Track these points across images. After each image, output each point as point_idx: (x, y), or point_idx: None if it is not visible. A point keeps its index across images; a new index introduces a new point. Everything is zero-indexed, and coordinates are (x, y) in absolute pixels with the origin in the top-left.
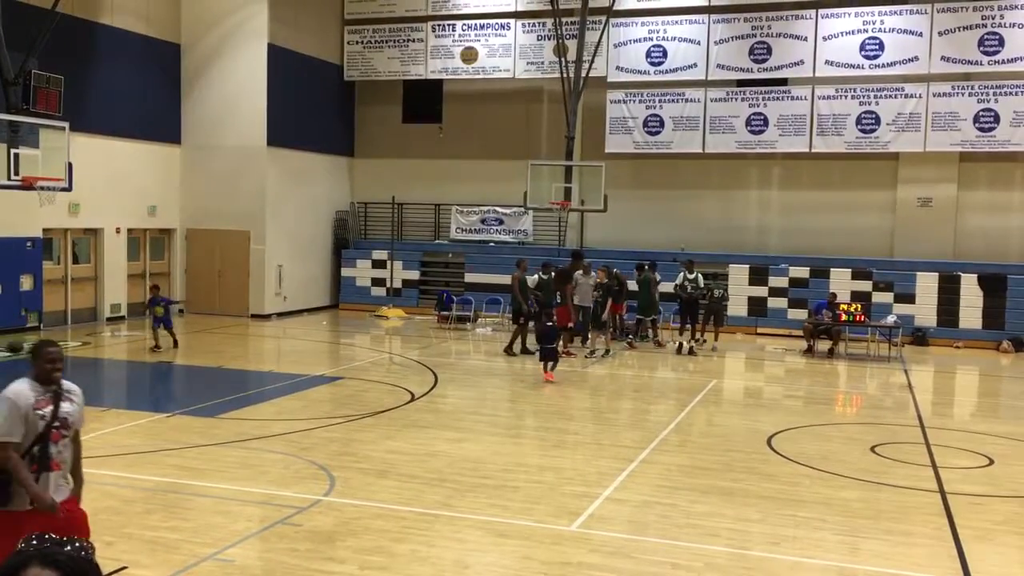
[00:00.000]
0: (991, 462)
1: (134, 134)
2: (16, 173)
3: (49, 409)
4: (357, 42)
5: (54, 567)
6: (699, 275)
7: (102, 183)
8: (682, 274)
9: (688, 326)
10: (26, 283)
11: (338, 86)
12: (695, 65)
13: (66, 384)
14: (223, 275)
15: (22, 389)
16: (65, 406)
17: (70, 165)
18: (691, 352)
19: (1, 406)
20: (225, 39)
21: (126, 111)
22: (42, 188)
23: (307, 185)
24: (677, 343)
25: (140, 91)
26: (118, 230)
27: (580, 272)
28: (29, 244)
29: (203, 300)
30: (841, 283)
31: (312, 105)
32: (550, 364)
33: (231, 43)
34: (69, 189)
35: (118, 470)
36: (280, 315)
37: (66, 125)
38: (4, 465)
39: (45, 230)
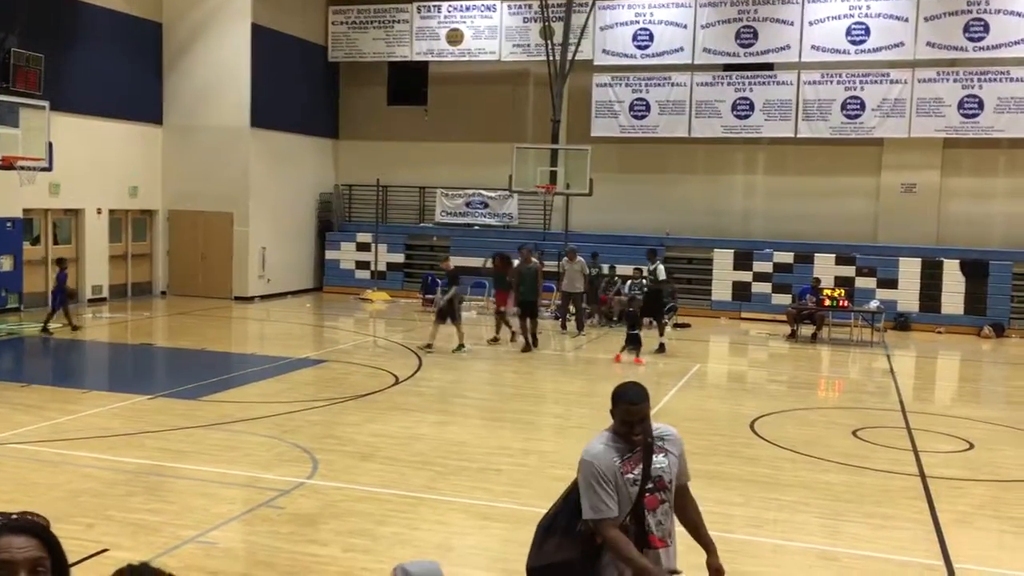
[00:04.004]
0: (971, 446)
1: (115, 114)
2: None
3: (638, 470)
4: (342, 23)
5: (28, 534)
6: (660, 266)
7: (83, 163)
8: (574, 266)
9: (660, 323)
10: (6, 264)
11: (322, 67)
12: (681, 49)
13: (659, 429)
14: (206, 257)
15: (600, 450)
16: (659, 460)
17: (50, 145)
18: (661, 349)
19: (583, 476)
20: (208, 18)
21: (107, 91)
22: (22, 168)
23: (291, 167)
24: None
25: (121, 70)
26: (99, 211)
27: (566, 259)
28: (9, 225)
29: (186, 282)
30: (825, 268)
31: (296, 86)
32: (629, 348)
33: (214, 22)
34: (49, 169)
35: (99, 452)
36: (263, 298)
37: (46, 104)
38: (610, 545)
39: (25, 210)
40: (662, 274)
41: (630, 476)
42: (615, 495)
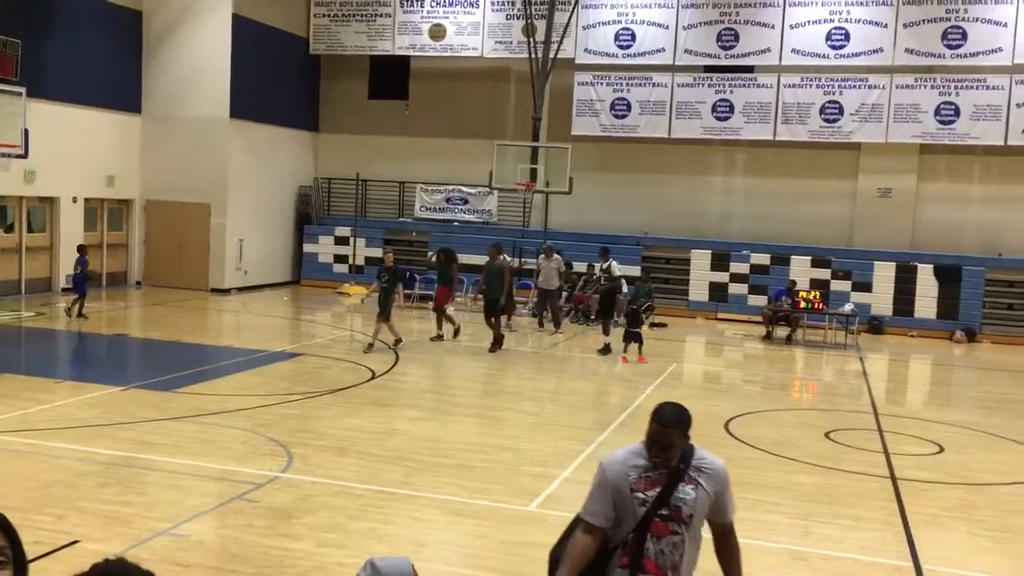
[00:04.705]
0: (941, 449)
1: (93, 102)
2: None
3: (654, 492)
4: (324, 15)
5: None
6: (613, 263)
7: (59, 151)
8: (551, 263)
9: (605, 321)
10: None
11: (303, 60)
12: (663, 50)
13: (703, 459)
14: (183, 248)
15: (618, 459)
16: (685, 490)
17: (26, 131)
18: (605, 350)
19: (594, 477)
20: (188, 8)
21: (85, 78)
22: None
23: (270, 159)
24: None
25: (100, 58)
26: (75, 199)
27: (543, 256)
28: None
29: (162, 273)
30: (801, 271)
31: (277, 78)
32: (631, 346)
33: (194, 12)
34: (25, 156)
35: (71, 443)
36: (240, 290)
37: (23, 91)
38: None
39: None
40: (616, 270)
41: (640, 495)
42: (610, 507)
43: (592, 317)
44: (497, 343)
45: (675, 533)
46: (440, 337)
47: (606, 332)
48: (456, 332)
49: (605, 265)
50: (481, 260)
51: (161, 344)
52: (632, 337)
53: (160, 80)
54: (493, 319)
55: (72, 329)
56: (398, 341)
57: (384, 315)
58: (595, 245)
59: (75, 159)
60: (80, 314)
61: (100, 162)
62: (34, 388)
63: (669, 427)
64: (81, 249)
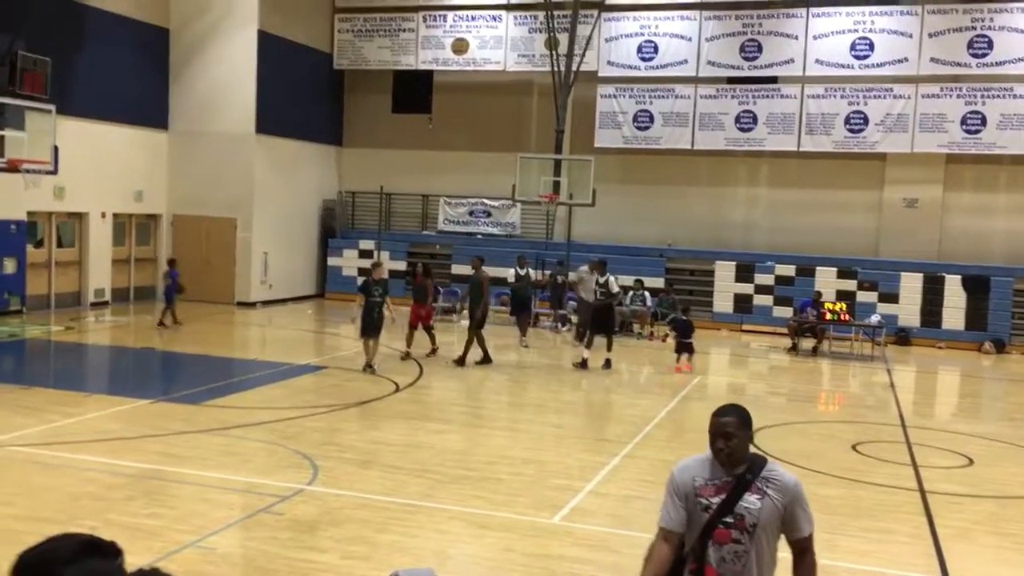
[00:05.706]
0: (971, 462)
1: (121, 118)
2: (1, 155)
3: (719, 498)
4: (347, 31)
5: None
6: (611, 278)
7: (88, 167)
8: (595, 277)
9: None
10: (9, 266)
11: (328, 75)
12: (686, 61)
13: (772, 471)
14: (209, 262)
15: (687, 465)
16: (750, 499)
17: (56, 148)
18: (607, 365)
19: (666, 483)
20: (214, 25)
21: (113, 95)
22: (27, 171)
23: (295, 173)
24: (581, 358)
25: (128, 75)
26: (103, 215)
27: (585, 269)
28: (13, 227)
29: (188, 287)
30: (826, 282)
31: (301, 93)
32: (685, 357)
33: (220, 29)
34: (54, 172)
35: (100, 455)
36: (265, 303)
37: (52, 108)
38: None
39: (29, 213)
40: (614, 286)
41: (703, 501)
42: (682, 511)
43: (616, 329)
44: (460, 361)
45: (737, 542)
46: (430, 352)
47: (609, 348)
48: (407, 355)
49: (603, 279)
50: (505, 273)
51: (188, 357)
52: (685, 348)
53: (187, 96)
54: (470, 335)
55: (98, 343)
56: (368, 366)
57: (377, 334)
58: (620, 257)
59: (104, 175)
60: (175, 321)
61: (128, 178)
62: (63, 401)
63: (727, 416)
64: (171, 263)
